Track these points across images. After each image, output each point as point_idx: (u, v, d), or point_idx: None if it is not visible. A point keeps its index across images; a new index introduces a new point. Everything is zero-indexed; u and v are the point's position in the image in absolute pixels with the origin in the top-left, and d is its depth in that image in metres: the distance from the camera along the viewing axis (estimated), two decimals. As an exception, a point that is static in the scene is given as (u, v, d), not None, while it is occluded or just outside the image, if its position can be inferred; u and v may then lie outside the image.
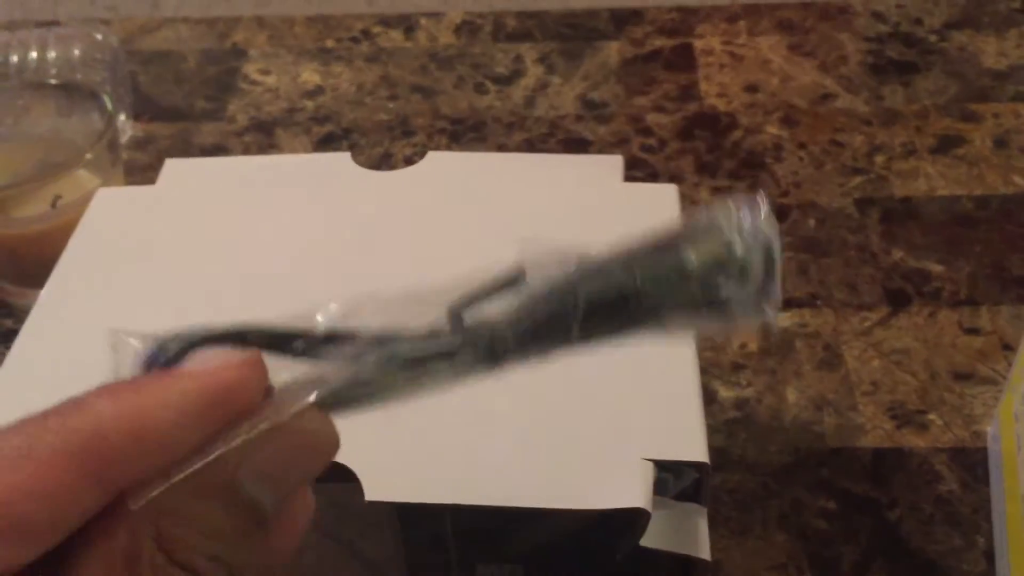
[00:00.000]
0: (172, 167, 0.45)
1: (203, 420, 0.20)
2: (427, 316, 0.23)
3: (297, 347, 0.23)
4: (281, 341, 0.23)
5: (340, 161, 0.44)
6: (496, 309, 0.24)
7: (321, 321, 0.23)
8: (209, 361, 0.21)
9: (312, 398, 0.22)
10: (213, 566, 0.20)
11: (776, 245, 0.24)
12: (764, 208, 0.24)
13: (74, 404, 0.20)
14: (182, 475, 0.20)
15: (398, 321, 0.23)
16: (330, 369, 0.23)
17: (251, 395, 0.21)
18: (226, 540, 0.20)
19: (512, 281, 0.24)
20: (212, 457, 0.20)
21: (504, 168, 0.45)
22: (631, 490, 0.32)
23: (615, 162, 0.43)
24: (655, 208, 0.41)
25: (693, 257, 0.24)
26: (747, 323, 0.24)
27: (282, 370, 0.23)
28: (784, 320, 0.55)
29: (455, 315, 0.24)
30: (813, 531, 0.46)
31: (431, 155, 0.45)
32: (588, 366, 0.36)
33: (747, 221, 0.24)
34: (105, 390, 0.20)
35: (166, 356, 0.22)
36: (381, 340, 0.23)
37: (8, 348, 0.57)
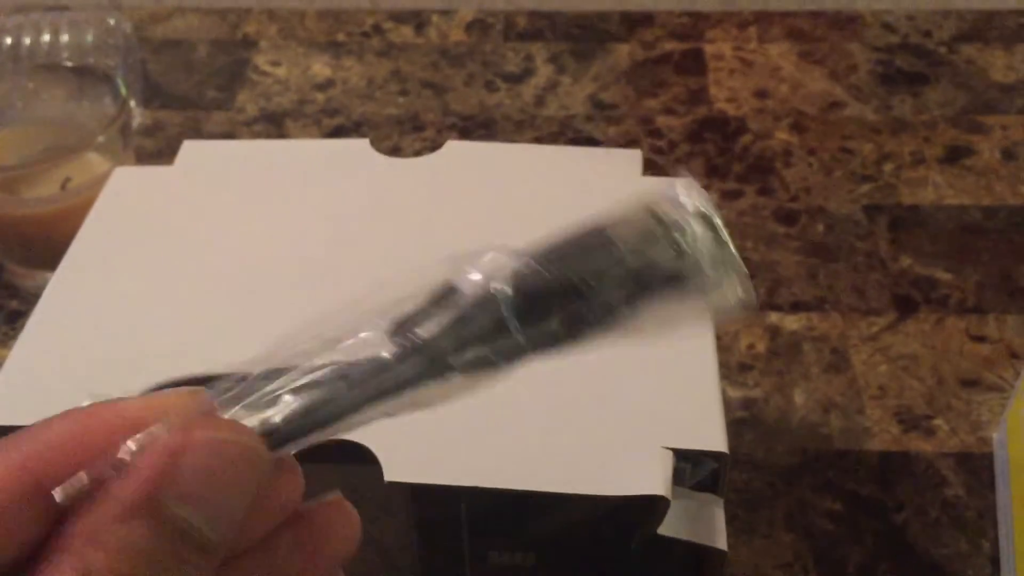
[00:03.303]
0: (190, 148, 0.44)
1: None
2: (366, 339, 0.23)
3: (233, 387, 0.23)
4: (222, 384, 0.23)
5: (359, 147, 0.44)
6: (435, 326, 0.23)
7: (253, 361, 0.23)
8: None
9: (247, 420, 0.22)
10: None
11: (712, 210, 0.23)
12: (691, 183, 0.23)
13: (28, 428, 0.21)
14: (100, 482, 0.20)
15: (336, 347, 0.23)
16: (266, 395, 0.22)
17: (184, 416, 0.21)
18: (161, 568, 0.20)
19: (444, 297, 0.23)
20: (130, 465, 0.20)
21: (523, 159, 0.45)
22: (650, 477, 0.32)
23: (634, 156, 0.43)
24: (674, 202, 0.41)
25: (619, 233, 0.23)
26: (715, 299, 0.23)
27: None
28: (792, 323, 0.55)
29: (395, 336, 0.23)
30: (820, 531, 0.46)
31: (450, 144, 0.45)
32: (608, 355, 0.36)
33: (673, 195, 0.23)
34: (56, 416, 0.21)
35: None
36: (320, 369, 0.23)
37: (14, 329, 0.57)
